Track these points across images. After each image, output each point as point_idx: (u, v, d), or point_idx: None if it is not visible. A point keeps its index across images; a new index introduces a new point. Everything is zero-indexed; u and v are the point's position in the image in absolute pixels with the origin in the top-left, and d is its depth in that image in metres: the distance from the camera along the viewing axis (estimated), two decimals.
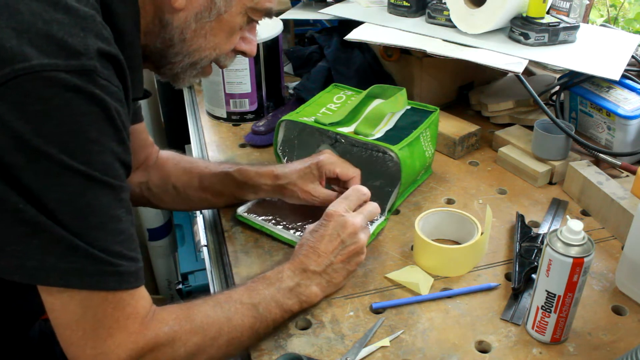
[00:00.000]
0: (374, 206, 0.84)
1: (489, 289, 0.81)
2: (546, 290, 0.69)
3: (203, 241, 1.02)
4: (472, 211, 0.95)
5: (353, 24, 1.22)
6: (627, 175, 1.00)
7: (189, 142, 1.33)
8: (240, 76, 1.19)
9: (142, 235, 1.99)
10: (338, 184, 0.92)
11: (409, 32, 1.18)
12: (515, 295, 0.80)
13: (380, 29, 1.20)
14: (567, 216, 0.86)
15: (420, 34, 1.16)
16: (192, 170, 0.95)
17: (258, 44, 1.14)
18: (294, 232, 0.90)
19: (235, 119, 1.25)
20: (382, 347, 0.73)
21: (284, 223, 0.92)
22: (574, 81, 1.11)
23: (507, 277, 0.84)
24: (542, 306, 0.70)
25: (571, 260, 0.66)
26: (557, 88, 1.15)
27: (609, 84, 1.07)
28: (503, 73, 1.25)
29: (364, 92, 1.04)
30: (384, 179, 0.97)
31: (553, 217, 0.95)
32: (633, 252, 0.77)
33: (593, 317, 0.77)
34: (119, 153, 0.60)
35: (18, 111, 0.53)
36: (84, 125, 0.56)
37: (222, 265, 0.91)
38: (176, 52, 0.74)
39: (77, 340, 0.60)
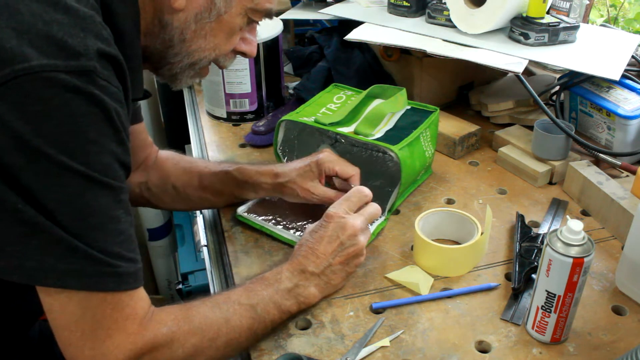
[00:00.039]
0: (375, 208, 0.83)
1: (489, 289, 0.81)
2: (546, 290, 0.69)
3: (203, 241, 1.02)
4: (472, 211, 0.95)
5: (353, 24, 1.22)
6: (627, 175, 1.00)
7: (189, 142, 1.33)
8: (240, 76, 1.19)
9: (142, 235, 1.99)
10: (334, 185, 0.92)
11: (409, 32, 1.18)
12: (515, 295, 0.80)
13: (380, 29, 1.20)
14: (567, 216, 0.86)
15: (420, 34, 1.16)
16: (191, 169, 0.95)
17: (258, 44, 1.14)
18: (294, 232, 0.90)
19: (235, 119, 1.25)
20: (382, 347, 0.72)
21: (284, 223, 0.92)
22: (574, 81, 1.11)
23: (507, 277, 0.84)
24: (542, 306, 0.70)
25: (571, 260, 0.66)
26: (557, 88, 1.15)
27: (609, 84, 1.06)
28: (503, 73, 1.25)
29: (364, 92, 1.04)
30: (384, 179, 0.97)
31: (553, 217, 0.95)
32: (633, 252, 0.77)
33: (593, 317, 0.77)
34: (119, 154, 0.60)
35: (18, 111, 0.53)
36: (83, 125, 0.56)
37: (222, 265, 0.91)
38: (176, 53, 0.74)
39: (75, 341, 0.60)
